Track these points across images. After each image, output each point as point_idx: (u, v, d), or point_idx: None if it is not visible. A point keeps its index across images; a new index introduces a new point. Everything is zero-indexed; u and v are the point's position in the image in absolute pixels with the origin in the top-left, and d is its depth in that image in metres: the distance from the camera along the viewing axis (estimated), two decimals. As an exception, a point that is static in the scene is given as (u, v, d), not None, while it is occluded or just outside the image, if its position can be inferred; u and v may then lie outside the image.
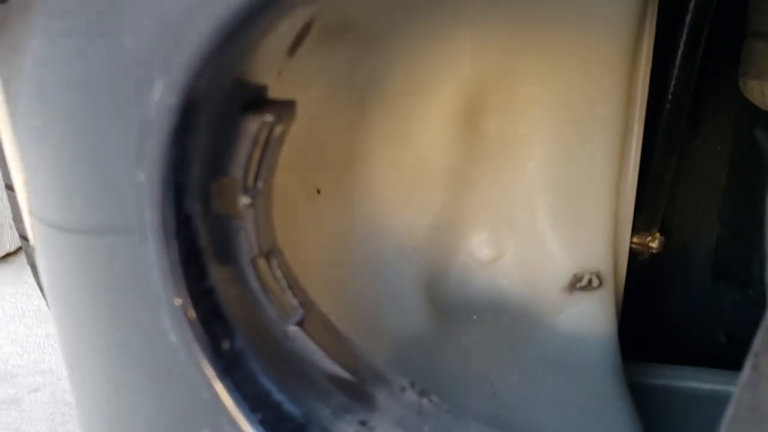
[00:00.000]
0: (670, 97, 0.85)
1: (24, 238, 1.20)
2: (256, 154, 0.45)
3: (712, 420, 0.42)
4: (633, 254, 0.98)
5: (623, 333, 0.84)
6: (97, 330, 0.49)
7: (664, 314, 1.13)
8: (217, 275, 0.44)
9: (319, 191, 0.73)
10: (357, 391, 0.48)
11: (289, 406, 0.43)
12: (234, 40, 0.36)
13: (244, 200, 0.45)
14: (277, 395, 0.43)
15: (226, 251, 0.46)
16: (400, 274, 0.77)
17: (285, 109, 0.46)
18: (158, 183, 0.38)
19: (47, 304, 0.59)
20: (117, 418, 0.52)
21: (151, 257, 0.40)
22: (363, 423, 0.45)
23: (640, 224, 0.96)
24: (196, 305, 0.41)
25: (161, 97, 0.36)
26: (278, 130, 0.46)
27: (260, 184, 0.46)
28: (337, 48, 0.67)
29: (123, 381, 0.49)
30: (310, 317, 0.50)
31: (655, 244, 0.97)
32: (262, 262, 0.49)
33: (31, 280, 1.78)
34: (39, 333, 1.87)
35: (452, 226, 0.80)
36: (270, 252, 0.49)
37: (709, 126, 1.05)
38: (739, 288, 1.09)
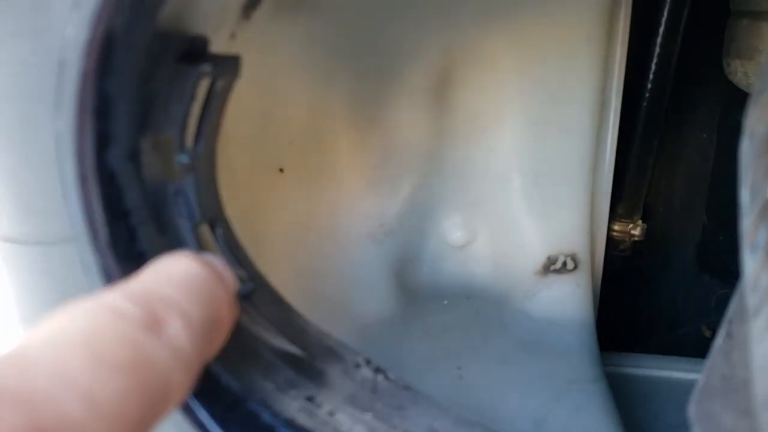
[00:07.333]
0: (651, 76, 0.83)
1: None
2: (195, 110, 0.42)
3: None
4: (615, 243, 0.96)
5: (604, 325, 0.81)
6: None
7: (647, 306, 1.10)
8: (155, 244, 0.41)
9: (282, 170, 0.70)
10: (306, 366, 0.44)
11: (227, 379, 0.40)
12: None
13: (182, 160, 0.41)
14: (215, 367, 0.39)
15: (163, 218, 0.43)
16: (369, 258, 0.73)
17: (226, 63, 0.43)
18: (76, 130, 0.34)
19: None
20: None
21: (72, 216, 0.37)
22: (310, 399, 0.42)
23: (621, 211, 0.93)
24: (125, 272, 0.38)
25: (75, 33, 0.32)
26: (219, 85, 0.43)
27: (201, 146, 0.43)
28: (297, 22, 0.65)
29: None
30: (258, 291, 0.47)
31: (637, 232, 0.94)
32: (205, 231, 0.46)
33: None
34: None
35: (423, 209, 0.76)
36: (214, 221, 0.46)
37: (695, 114, 1.03)
38: (725, 281, 1.07)
